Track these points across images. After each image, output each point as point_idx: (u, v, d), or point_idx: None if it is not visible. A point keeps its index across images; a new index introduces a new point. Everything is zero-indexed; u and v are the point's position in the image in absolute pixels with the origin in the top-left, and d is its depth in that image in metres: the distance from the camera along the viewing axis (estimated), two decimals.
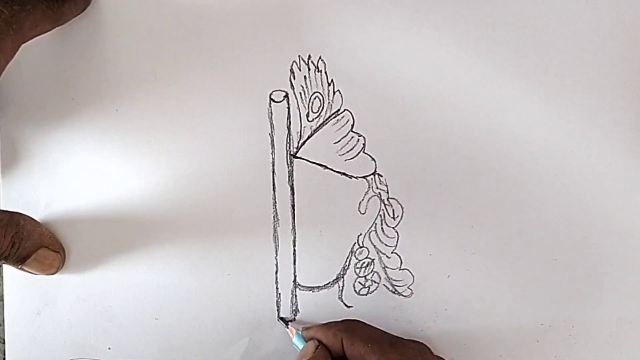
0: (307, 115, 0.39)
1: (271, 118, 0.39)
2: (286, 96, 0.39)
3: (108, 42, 0.38)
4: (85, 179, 0.39)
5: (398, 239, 0.40)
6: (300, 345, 0.38)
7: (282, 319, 0.40)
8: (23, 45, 0.34)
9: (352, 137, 0.39)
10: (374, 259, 0.40)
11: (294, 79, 0.39)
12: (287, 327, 0.39)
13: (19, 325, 0.39)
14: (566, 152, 0.40)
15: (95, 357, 0.40)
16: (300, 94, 0.39)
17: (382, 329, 0.39)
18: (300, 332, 0.39)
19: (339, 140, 0.40)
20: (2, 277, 0.40)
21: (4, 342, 0.40)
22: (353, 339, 0.36)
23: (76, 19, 0.37)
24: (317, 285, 0.40)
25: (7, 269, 0.39)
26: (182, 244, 0.39)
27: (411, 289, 0.40)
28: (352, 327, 0.38)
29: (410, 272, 0.40)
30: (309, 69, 0.39)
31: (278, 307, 0.40)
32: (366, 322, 0.39)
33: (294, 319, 0.40)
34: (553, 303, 0.41)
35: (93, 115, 0.38)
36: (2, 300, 0.40)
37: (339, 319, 0.39)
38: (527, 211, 0.40)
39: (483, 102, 0.39)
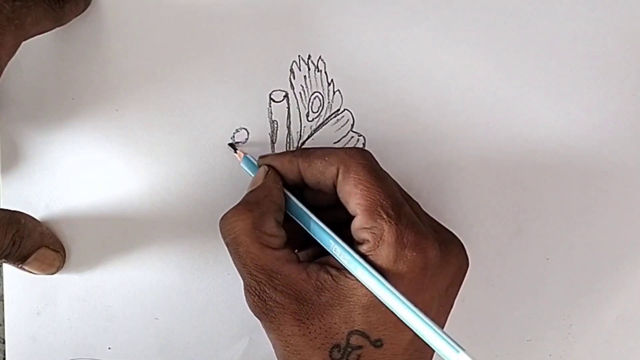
0: (307, 115, 0.39)
1: (271, 118, 0.39)
2: (286, 96, 0.39)
3: (108, 42, 0.38)
4: (85, 179, 0.39)
5: None
6: (250, 172, 0.37)
7: (230, 145, 0.38)
8: (24, 45, 0.34)
9: (352, 137, 0.40)
10: None
11: (294, 78, 0.39)
12: (235, 152, 0.38)
13: (19, 325, 0.39)
14: (565, 151, 0.40)
15: (95, 357, 0.40)
16: (300, 93, 0.39)
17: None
18: (249, 156, 0.37)
19: (339, 140, 0.40)
20: (2, 277, 0.40)
21: (4, 342, 0.40)
22: (310, 160, 0.35)
23: (76, 19, 0.37)
24: None
25: (7, 268, 0.38)
26: (182, 244, 0.39)
27: None
28: (306, 150, 0.36)
29: None
30: (309, 69, 0.39)
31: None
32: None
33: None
34: (551, 301, 0.41)
35: (93, 115, 0.38)
36: (2, 300, 0.40)
37: None
38: (526, 210, 0.40)
39: (483, 101, 0.39)
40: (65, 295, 0.39)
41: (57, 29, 0.36)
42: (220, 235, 0.34)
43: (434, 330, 0.31)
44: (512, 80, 0.39)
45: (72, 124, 0.38)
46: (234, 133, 0.39)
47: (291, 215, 0.36)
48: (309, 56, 0.39)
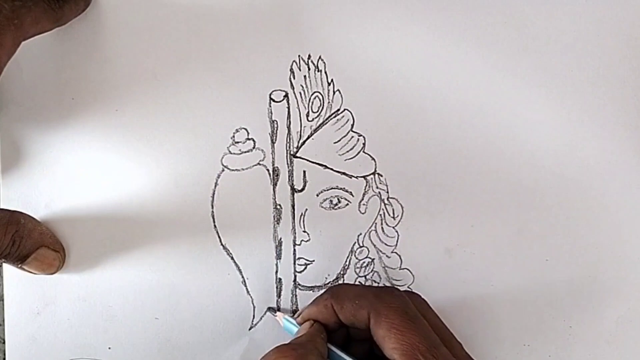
0: (307, 115, 0.39)
1: (271, 118, 0.39)
2: (286, 96, 0.39)
3: (108, 42, 0.38)
4: (85, 178, 0.39)
5: (398, 238, 0.40)
6: (293, 329, 0.37)
7: (270, 308, 0.40)
8: (24, 45, 0.34)
9: (352, 136, 0.40)
10: (374, 259, 0.40)
11: (294, 78, 0.39)
12: (275, 315, 0.39)
13: (19, 325, 0.39)
14: (565, 151, 0.40)
15: (95, 357, 0.40)
16: (300, 93, 0.39)
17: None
18: (288, 317, 0.38)
19: (339, 140, 0.40)
20: (2, 277, 0.40)
21: (4, 342, 0.40)
22: (342, 302, 0.35)
23: (76, 19, 0.37)
24: (317, 285, 0.40)
25: (7, 268, 0.38)
26: (183, 243, 0.39)
27: (411, 289, 0.40)
28: (337, 291, 0.36)
29: (410, 271, 0.40)
30: (309, 69, 0.39)
31: (278, 306, 0.40)
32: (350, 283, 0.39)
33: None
34: (552, 302, 0.41)
35: (93, 115, 0.38)
36: (2, 300, 0.40)
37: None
38: (526, 211, 0.40)
39: (483, 101, 0.39)
40: (65, 295, 0.39)
41: (57, 29, 0.36)
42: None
43: None
44: (512, 80, 0.39)
45: (72, 124, 0.38)
46: (234, 133, 0.39)
47: None
48: (309, 56, 0.39)
